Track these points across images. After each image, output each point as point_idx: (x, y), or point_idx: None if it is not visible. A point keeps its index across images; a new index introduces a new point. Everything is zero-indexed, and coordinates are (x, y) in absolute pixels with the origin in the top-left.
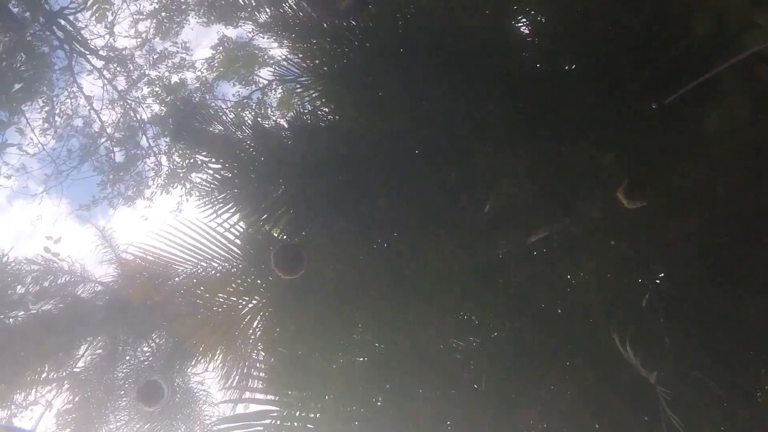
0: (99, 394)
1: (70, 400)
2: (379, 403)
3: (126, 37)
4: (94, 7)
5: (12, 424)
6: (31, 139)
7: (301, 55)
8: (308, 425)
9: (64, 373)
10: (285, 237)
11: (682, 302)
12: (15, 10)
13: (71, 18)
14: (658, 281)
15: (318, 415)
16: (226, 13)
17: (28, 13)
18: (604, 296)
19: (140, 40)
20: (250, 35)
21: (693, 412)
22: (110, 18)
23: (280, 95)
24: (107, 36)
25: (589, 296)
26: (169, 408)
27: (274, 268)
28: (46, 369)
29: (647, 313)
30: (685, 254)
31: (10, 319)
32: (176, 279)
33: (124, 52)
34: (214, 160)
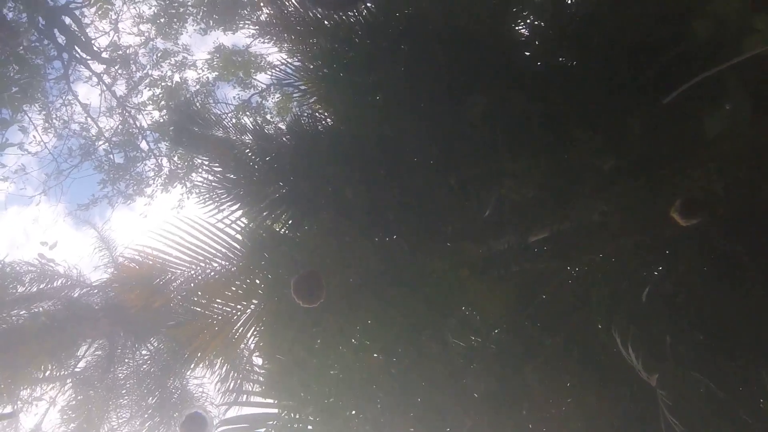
0: (101, 392)
1: (72, 397)
2: (378, 406)
3: (128, 34)
4: (96, 5)
5: (18, 420)
6: (34, 136)
7: (300, 57)
8: (307, 428)
9: (67, 371)
10: (286, 234)
11: (682, 302)
12: (13, 13)
13: (76, 13)
14: (658, 279)
15: (317, 418)
16: (225, 15)
17: (25, 18)
18: (605, 295)
19: (140, 42)
20: (249, 39)
21: (693, 414)
22: (111, 18)
23: (278, 98)
24: (107, 37)
25: (589, 295)
26: (168, 408)
27: (293, 295)
28: (49, 367)
29: (648, 312)
30: (686, 253)
31: (13, 318)
32: (174, 283)
33: (123, 55)
34: (214, 162)
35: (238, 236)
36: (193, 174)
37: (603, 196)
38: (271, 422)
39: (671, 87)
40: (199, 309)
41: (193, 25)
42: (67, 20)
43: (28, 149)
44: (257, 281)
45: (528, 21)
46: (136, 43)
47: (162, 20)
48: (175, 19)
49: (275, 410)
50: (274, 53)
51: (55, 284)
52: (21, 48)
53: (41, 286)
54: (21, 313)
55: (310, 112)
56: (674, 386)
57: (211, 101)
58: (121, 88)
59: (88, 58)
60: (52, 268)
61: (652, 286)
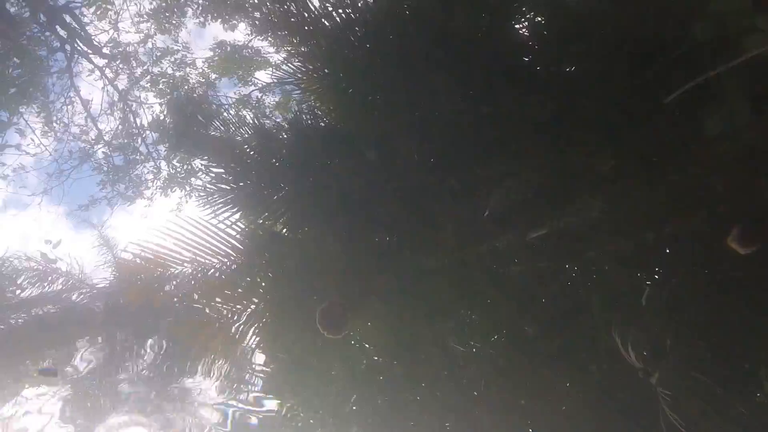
0: (99, 391)
1: (71, 396)
2: (378, 402)
3: (127, 33)
4: (97, 4)
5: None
6: (32, 140)
7: (300, 56)
8: (308, 426)
9: (65, 370)
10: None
11: (682, 301)
12: (14, 9)
13: (76, 12)
14: (657, 279)
15: (318, 413)
16: (225, 13)
17: (27, 12)
18: (604, 294)
19: (140, 37)
20: (248, 37)
21: (693, 410)
22: (112, 15)
23: (279, 97)
24: (108, 33)
25: (589, 295)
26: (167, 406)
27: (318, 326)
28: (47, 364)
29: (647, 312)
30: (685, 253)
31: (12, 320)
32: (175, 282)
33: (124, 50)
34: (214, 161)
35: (238, 238)
36: (193, 177)
37: (603, 196)
38: (271, 416)
39: (672, 87)
40: (198, 307)
41: (193, 19)
42: (68, 18)
43: (27, 150)
44: (258, 279)
45: (528, 17)
46: (136, 39)
47: (162, 16)
48: (175, 14)
49: (276, 406)
50: (273, 53)
51: (56, 284)
52: (23, 38)
53: (43, 288)
54: (21, 315)
55: (311, 111)
56: (674, 384)
57: (211, 95)
58: (122, 83)
59: (89, 51)
60: (53, 267)
61: (651, 288)
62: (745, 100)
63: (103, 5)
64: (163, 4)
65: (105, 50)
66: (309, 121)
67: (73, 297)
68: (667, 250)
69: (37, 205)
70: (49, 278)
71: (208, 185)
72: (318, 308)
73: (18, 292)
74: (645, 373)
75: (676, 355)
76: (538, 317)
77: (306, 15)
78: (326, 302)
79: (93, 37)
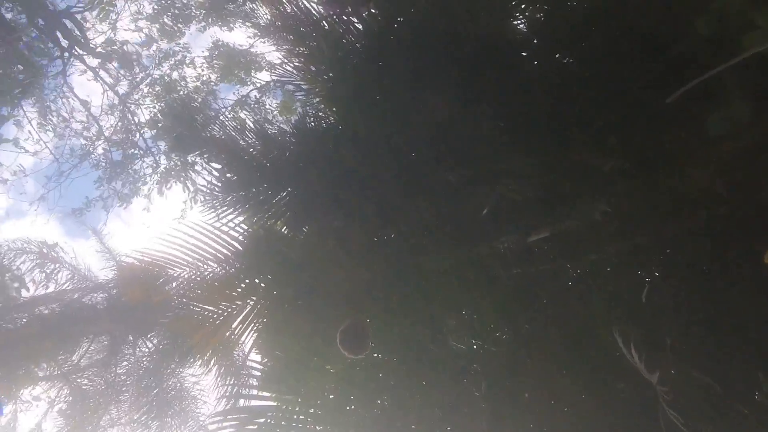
0: (100, 388)
1: (70, 394)
2: (378, 402)
3: (125, 29)
4: (98, 8)
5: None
6: (30, 132)
7: (302, 59)
8: (306, 426)
9: (66, 369)
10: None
11: (682, 302)
12: (11, 14)
13: (77, 17)
14: (658, 279)
15: (318, 412)
16: (226, 15)
17: (24, 18)
18: (605, 295)
19: (140, 41)
20: (249, 38)
21: (694, 411)
22: (111, 19)
23: (280, 98)
24: (106, 36)
25: (590, 295)
26: (164, 404)
27: (339, 346)
28: (49, 365)
29: (648, 312)
30: (686, 253)
31: (15, 320)
32: (175, 283)
33: (123, 53)
34: (215, 163)
35: (239, 239)
36: (193, 177)
37: (603, 196)
38: (270, 414)
39: (672, 87)
40: (197, 306)
41: (194, 24)
42: (69, 24)
43: (25, 146)
44: (257, 280)
45: (527, 14)
46: (136, 41)
47: (163, 19)
48: (176, 17)
49: (274, 403)
50: (274, 54)
51: (59, 273)
52: (21, 43)
53: (47, 285)
54: (23, 315)
55: (314, 111)
56: (674, 383)
57: (211, 98)
58: (122, 88)
59: (85, 53)
60: (56, 255)
61: (652, 286)
62: (745, 99)
63: (105, 9)
64: (164, 6)
65: (100, 50)
66: (312, 122)
67: (76, 296)
68: (668, 251)
69: (34, 211)
70: (53, 267)
71: (209, 185)
72: (339, 329)
73: (20, 273)
74: (647, 372)
75: (676, 355)
76: (539, 317)
77: (309, 21)
78: (346, 322)
79: (91, 41)
